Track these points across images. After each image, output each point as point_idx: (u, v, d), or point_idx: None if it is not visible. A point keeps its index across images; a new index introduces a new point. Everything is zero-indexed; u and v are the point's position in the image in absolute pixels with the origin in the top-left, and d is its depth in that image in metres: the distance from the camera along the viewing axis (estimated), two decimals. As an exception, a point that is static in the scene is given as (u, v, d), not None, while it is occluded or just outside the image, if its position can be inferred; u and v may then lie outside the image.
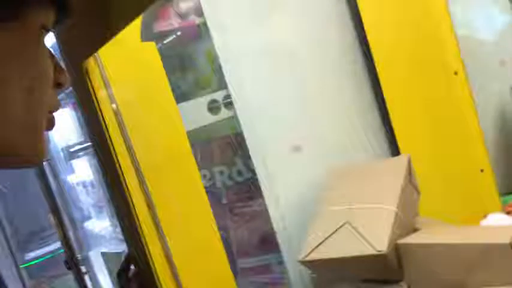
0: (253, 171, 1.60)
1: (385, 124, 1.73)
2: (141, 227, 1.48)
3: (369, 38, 1.56)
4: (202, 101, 1.54)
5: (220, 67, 1.50)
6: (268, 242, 1.67)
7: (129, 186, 1.47)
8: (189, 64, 1.71)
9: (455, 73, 1.63)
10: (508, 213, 1.64)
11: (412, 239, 1.28)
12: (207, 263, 1.58)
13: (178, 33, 1.74)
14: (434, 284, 1.23)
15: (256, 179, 1.57)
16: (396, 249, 1.26)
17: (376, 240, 1.24)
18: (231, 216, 1.73)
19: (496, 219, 1.55)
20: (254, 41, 1.52)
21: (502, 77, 2.05)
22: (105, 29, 1.16)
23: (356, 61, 1.61)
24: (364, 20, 1.55)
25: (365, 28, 1.56)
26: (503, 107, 2.04)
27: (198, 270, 1.57)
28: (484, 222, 1.54)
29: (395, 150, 1.71)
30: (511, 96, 2.02)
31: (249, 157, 1.56)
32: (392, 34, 1.61)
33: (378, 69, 1.58)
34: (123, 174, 1.46)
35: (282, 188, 1.54)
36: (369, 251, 1.24)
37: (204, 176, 1.70)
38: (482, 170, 1.66)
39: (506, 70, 2.06)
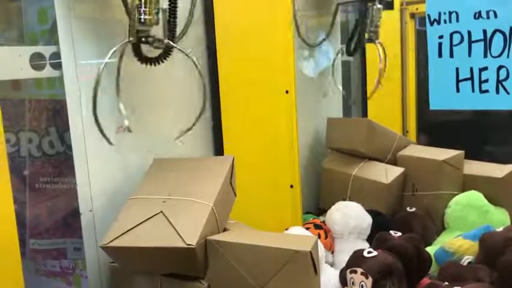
0: (68, 146, 1.45)
1: (216, 129, 1.81)
2: None
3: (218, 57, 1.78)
4: (23, 50, 1.28)
5: (55, 22, 1.33)
6: (68, 224, 1.53)
7: None
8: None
9: (287, 92, 1.74)
10: (307, 229, 1.78)
11: (222, 236, 1.29)
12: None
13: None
14: (234, 286, 1.26)
15: (70, 155, 1.43)
16: (205, 245, 1.26)
17: (188, 233, 1.22)
18: (30, 191, 1.54)
19: (296, 231, 1.67)
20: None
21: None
22: None
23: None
24: (218, 46, 1.76)
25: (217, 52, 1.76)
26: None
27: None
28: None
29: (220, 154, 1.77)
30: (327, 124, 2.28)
31: (68, 129, 1.41)
32: (236, 55, 1.78)
33: (220, 85, 1.78)
34: None
35: (99, 169, 1.43)
36: (178, 243, 1.21)
37: (8, 141, 1.48)
38: (292, 186, 1.78)
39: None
